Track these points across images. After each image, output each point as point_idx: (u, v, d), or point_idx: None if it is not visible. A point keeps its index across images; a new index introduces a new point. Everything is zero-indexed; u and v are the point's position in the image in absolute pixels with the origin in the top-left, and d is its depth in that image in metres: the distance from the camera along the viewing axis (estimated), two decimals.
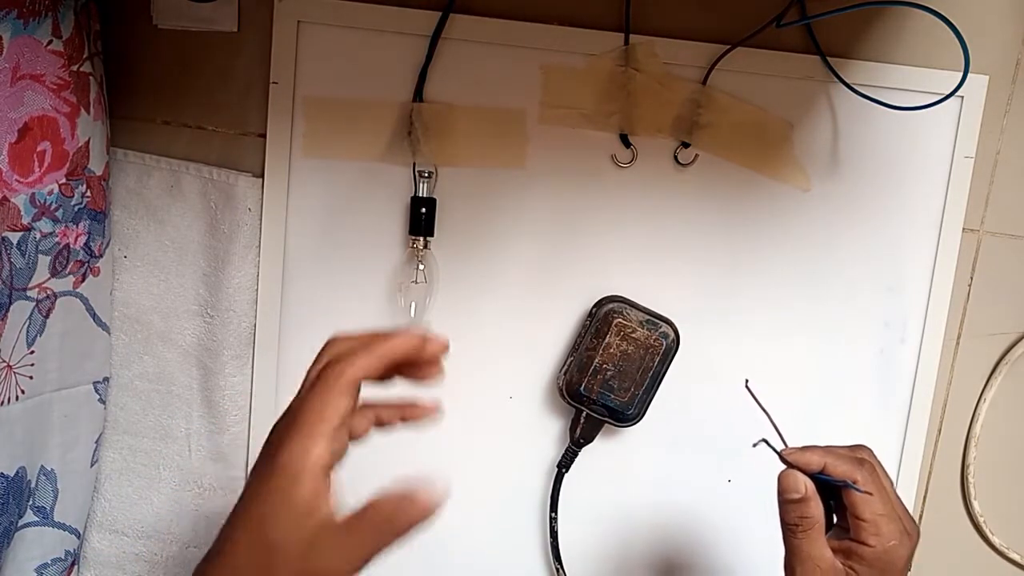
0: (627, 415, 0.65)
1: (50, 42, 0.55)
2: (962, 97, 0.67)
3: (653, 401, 0.66)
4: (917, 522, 0.51)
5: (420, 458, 0.70)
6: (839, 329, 0.70)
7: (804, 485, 0.49)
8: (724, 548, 0.72)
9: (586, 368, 0.65)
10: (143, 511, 0.69)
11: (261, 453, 0.43)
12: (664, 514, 0.71)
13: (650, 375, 0.65)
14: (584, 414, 0.66)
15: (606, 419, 0.66)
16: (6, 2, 0.51)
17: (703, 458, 0.70)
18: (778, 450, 0.51)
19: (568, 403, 0.66)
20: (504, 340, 0.69)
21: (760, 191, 0.68)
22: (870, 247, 0.69)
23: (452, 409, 0.69)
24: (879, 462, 0.51)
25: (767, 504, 0.74)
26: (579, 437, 0.67)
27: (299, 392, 0.44)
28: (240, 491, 0.71)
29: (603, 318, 0.65)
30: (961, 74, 0.56)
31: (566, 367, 0.66)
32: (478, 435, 0.69)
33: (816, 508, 0.49)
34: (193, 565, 0.73)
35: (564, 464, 0.68)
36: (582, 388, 0.65)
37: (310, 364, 0.46)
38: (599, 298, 0.66)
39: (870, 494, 0.48)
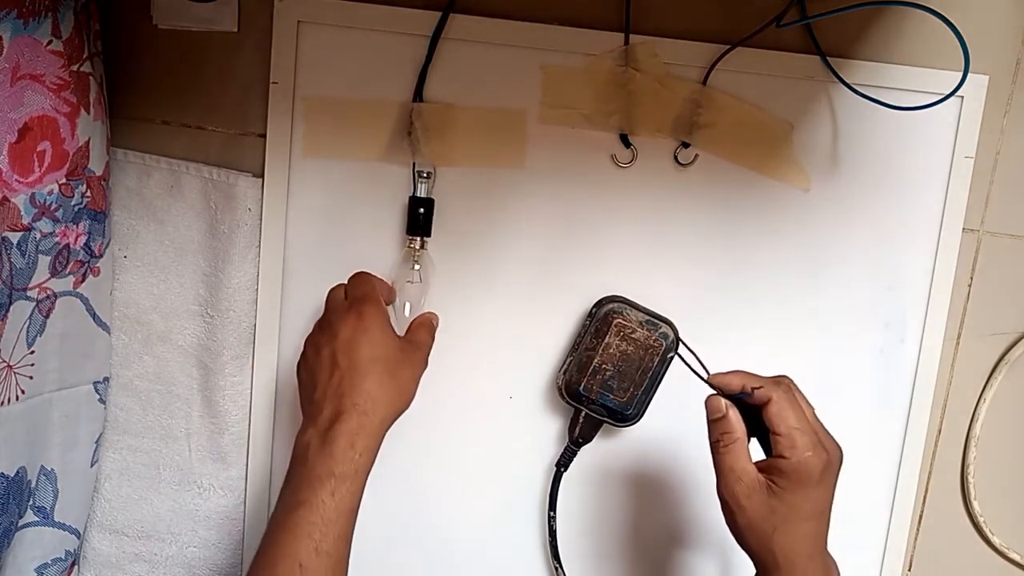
0: (626, 415, 0.65)
1: (50, 42, 0.55)
2: (962, 97, 0.67)
3: (652, 401, 0.66)
4: (839, 445, 0.54)
5: (420, 457, 0.70)
6: (839, 329, 0.70)
7: (724, 405, 0.54)
8: (723, 548, 0.72)
9: (585, 368, 0.65)
10: (143, 511, 0.69)
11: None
12: (663, 513, 0.71)
13: (649, 375, 0.65)
14: (583, 414, 0.66)
15: (605, 419, 0.66)
16: (6, 2, 0.51)
17: (703, 458, 0.70)
18: (703, 376, 0.56)
19: (567, 403, 0.66)
20: (503, 340, 0.69)
21: (760, 191, 0.68)
22: (870, 247, 0.69)
23: (451, 408, 0.69)
24: (798, 388, 0.55)
25: None
26: (578, 436, 0.67)
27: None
28: (239, 491, 0.71)
29: (603, 318, 0.65)
30: (961, 74, 0.56)
31: (565, 367, 0.66)
32: (477, 435, 0.70)
33: (736, 425, 0.54)
34: (193, 565, 0.73)
35: (563, 463, 0.68)
36: (581, 388, 0.65)
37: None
38: (599, 298, 0.66)
39: (770, 398, 0.52)
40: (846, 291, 0.69)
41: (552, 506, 0.68)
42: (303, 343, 0.60)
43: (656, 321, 0.65)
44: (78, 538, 0.66)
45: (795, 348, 0.70)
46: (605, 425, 0.66)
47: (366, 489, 0.70)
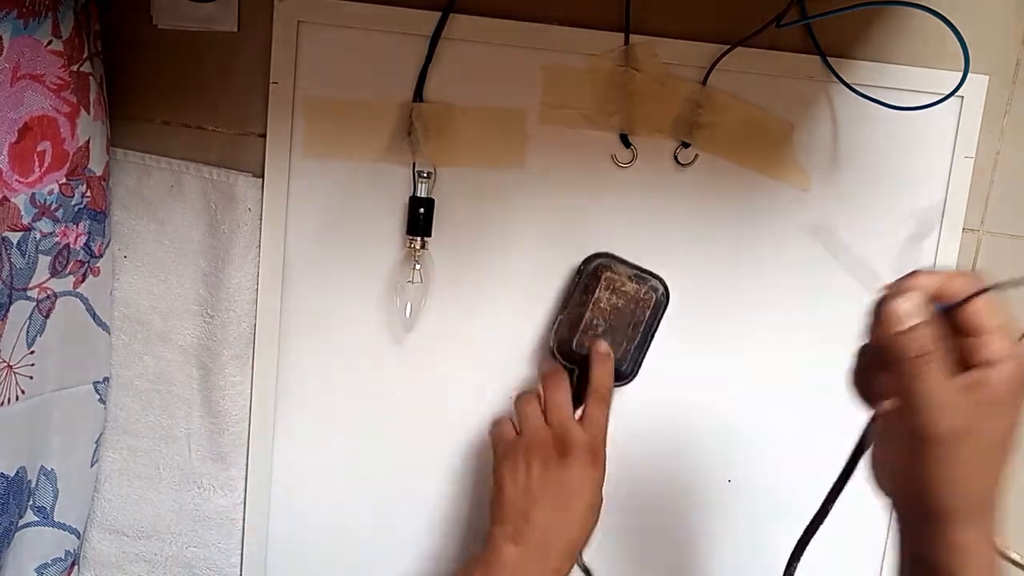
0: (621, 371, 0.64)
1: (50, 42, 0.55)
2: (962, 97, 0.67)
3: (646, 359, 0.65)
4: None
5: (420, 457, 0.70)
6: (839, 329, 0.69)
7: (918, 305, 0.39)
8: (723, 548, 0.72)
9: (576, 324, 0.64)
10: (143, 511, 0.69)
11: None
12: (663, 514, 0.71)
13: (642, 330, 0.64)
14: (576, 374, 0.64)
15: None
16: (6, 2, 0.51)
17: (703, 458, 0.70)
18: (879, 283, 0.42)
19: (561, 362, 0.65)
20: (504, 339, 0.69)
21: (760, 191, 0.68)
22: (870, 247, 0.69)
23: (451, 410, 0.69)
24: None
25: (767, 504, 0.74)
26: (572, 398, 0.63)
27: None
28: (239, 491, 0.71)
29: (591, 273, 0.64)
30: (961, 74, 0.56)
31: (556, 325, 0.65)
32: (476, 436, 0.69)
33: (935, 337, 0.39)
34: (193, 565, 0.73)
35: None
36: (573, 345, 0.64)
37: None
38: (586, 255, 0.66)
39: (1020, 283, 0.38)
40: (846, 291, 0.69)
41: None
42: (511, 443, 0.61)
43: (645, 275, 0.65)
44: (78, 538, 0.66)
45: (795, 348, 0.70)
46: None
47: (360, 470, 0.70)
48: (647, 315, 0.64)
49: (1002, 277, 0.40)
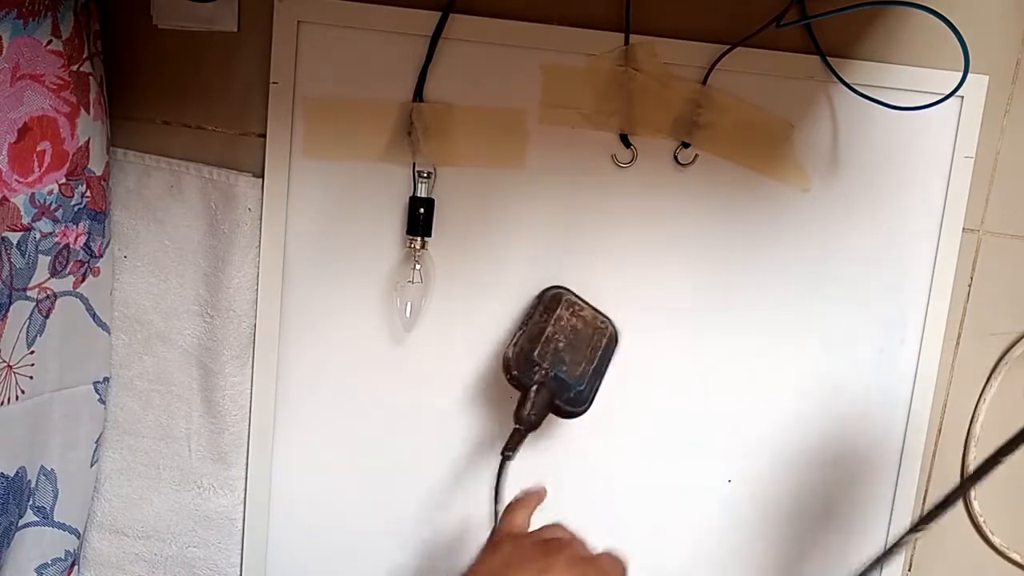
0: (581, 395, 0.63)
1: (50, 42, 0.55)
2: (962, 97, 0.67)
3: (599, 391, 0.65)
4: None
5: (420, 457, 0.70)
6: (839, 329, 0.70)
7: None
8: (724, 549, 0.72)
9: (537, 338, 0.63)
10: (143, 511, 0.69)
11: None
12: (663, 514, 0.71)
13: (599, 355, 0.65)
14: (534, 388, 0.61)
15: (556, 400, 0.62)
16: (6, 2, 0.51)
17: (703, 458, 0.70)
18: None
19: (514, 380, 0.62)
20: (502, 340, 0.69)
21: (760, 191, 0.68)
22: (870, 247, 0.69)
23: (450, 410, 0.69)
24: None
25: (767, 504, 0.74)
26: (530, 413, 0.61)
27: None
28: (239, 491, 0.71)
29: (552, 297, 0.65)
30: (961, 74, 0.56)
31: (515, 339, 0.63)
32: (476, 436, 0.69)
33: None
34: (193, 565, 0.73)
35: (509, 449, 0.61)
36: (535, 354, 0.62)
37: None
38: (545, 287, 0.66)
39: None
40: (846, 291, 0.69)
41: (497, 498, 0.61)
42: (519, 535, 0.54)
43: (599, 313, 0.66)
44: (78, 538, 0.66)
45: (795, 348, 0.70)
46: (552, 428, 0.65)
47: (360, 470, 0.69)
48: (603, 343, 0.65)
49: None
